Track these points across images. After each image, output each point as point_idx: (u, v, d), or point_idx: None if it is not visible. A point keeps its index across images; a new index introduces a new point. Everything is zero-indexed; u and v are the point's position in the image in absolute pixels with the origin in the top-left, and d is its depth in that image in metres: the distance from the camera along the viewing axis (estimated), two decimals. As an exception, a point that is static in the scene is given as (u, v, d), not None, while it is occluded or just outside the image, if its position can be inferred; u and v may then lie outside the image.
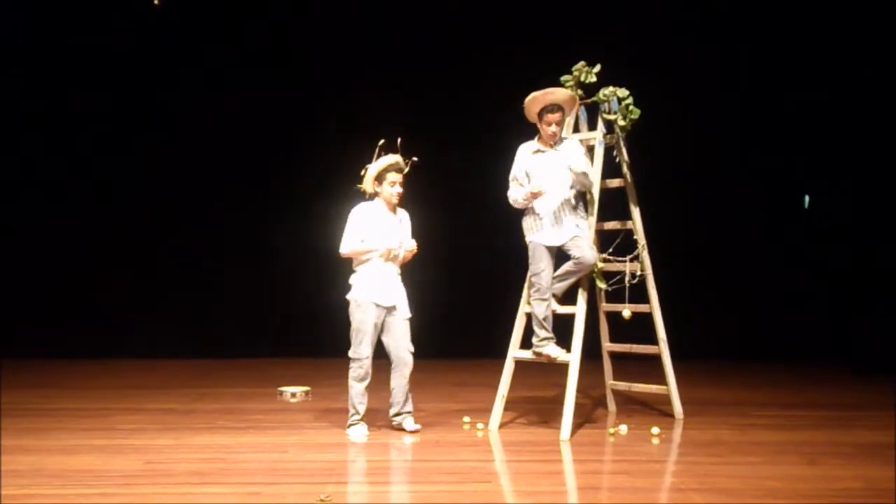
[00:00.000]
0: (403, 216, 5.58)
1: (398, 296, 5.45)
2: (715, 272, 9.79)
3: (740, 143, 9.98)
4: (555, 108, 5.51)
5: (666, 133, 8.54)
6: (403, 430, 5.44)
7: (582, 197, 5.64)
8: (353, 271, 5.48)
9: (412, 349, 5.47)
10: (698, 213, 9.80)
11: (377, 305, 5.36)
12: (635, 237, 5.82)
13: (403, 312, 5.44)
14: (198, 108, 9.89)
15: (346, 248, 5.44)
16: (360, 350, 5.34)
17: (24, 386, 7.33)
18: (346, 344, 5.43)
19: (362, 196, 5.54)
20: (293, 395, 6.80)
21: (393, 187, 5.42)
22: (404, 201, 5.56)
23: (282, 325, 9.86)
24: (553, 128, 5.50)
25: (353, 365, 5.36)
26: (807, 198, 10.25)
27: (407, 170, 5.48)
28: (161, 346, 9.57)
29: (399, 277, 5.51)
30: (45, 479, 4.21)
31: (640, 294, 5.82)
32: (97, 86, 9.82)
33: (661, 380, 5.98)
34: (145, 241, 10.00)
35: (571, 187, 5.52)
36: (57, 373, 8.46)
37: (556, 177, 5.51)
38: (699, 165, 9.69)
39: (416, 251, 5.55)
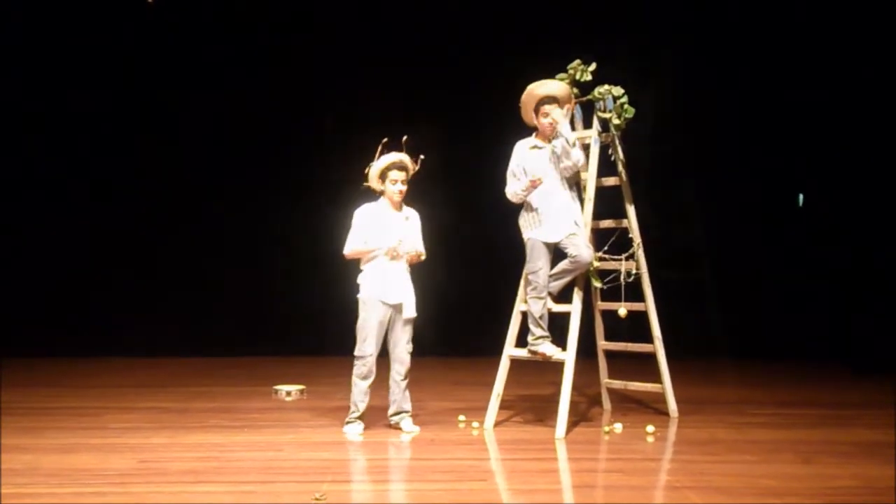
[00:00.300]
0: (411, 214, 5.57)
1: (404, 294, 5.45)
2: (715, 271, 9.78)
3: (740, 143, 9.98)
4: (550, 100, 5.52)
5: (666, 133, 8.56)
6: (401, 430, 5.44)
7: (578, 194, 5.65)
8: (360, 271, 5.48)
9: (410, 349, 5.47)
10: (698, 212, 9.80)
11: (383, 303, 5.36)
12: (630, 236, 5.82)
13: (408, 312, 5.44)
14: (198, 108, 9.90)
15: (348, 249, 5.45)
16: (364, 348, 5.34)
17: (22, 385, 7.34)
18: (345, 343, 5.44)
19: (369, 195, 5.55)
20: (288, 393, 6.80)
21: (395, 185, 5.42)
22: (408, 199, 5.57)
23: (281, 324, 9.87)
24: (549, 119, 5.50)
25: (356, 363, 5.36)
26: (801, 196, 10.24)
27: (416, 168, 5.49)
28: (160, 346, 9.58)
29: (407, 276, 5.50)
30: (42, 477, 4.21)
31: (636, 292, 5.81)
32: (97, 86, 9.85)
33: (657, 378, 5.98)
34: (145, 241, 10.02)
35: (563, 167, 5.51)
36: (54, 372, 8.47)
37: (554, 172, 5.51)
38: (699, 165, 9.69)
39: (422, 255, 5.55)
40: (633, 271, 5.69)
